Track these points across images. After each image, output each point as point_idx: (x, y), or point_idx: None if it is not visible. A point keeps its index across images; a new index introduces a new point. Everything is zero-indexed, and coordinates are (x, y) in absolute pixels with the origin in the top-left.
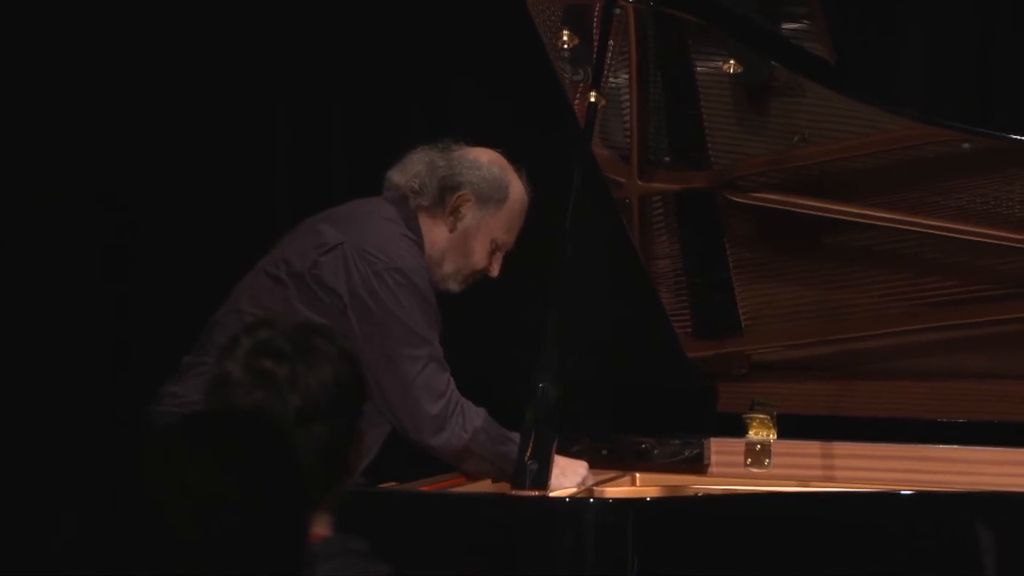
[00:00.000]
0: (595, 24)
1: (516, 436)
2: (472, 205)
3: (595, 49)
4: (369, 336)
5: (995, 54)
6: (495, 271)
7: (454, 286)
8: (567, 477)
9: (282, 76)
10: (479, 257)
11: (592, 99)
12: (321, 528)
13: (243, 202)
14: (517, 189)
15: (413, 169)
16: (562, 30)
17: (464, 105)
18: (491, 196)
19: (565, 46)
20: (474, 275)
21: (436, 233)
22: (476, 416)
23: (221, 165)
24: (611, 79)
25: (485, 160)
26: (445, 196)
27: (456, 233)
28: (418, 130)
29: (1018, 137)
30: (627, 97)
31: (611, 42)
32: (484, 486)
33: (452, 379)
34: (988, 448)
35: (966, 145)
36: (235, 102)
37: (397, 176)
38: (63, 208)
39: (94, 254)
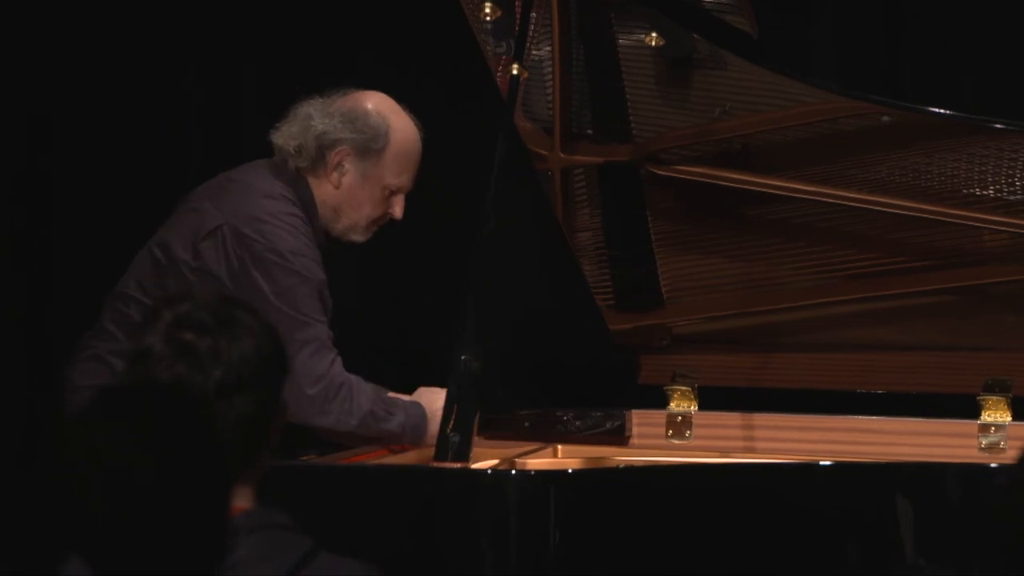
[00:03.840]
0: None
1: (406, 401)
2: (352, 159)
3: (518, 21)
4: None
5: (906, 33)
6: (398, 213)
7: (358, 237)
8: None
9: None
10: (372, 206)
11: (514, 72)
12: (243, 501)
13: (156, 171)
14: (400, 133)
15: (290, 130)
16: (484, 2)
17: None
18: (370, 147)
19: (488, 18)
20: (377, 222)
21: (323, 191)
22: (366, 399)
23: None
24: (534, 51)
25: (363, 110)
26: (324, 154)
27: (342, 189)
28: None
29: (938, 110)
30: (550, 70)
31: (534, 14)
32: (406, 458)
33: (338, 360)
34: (906, 419)
35: (886, 118)
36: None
37: (277, 138)
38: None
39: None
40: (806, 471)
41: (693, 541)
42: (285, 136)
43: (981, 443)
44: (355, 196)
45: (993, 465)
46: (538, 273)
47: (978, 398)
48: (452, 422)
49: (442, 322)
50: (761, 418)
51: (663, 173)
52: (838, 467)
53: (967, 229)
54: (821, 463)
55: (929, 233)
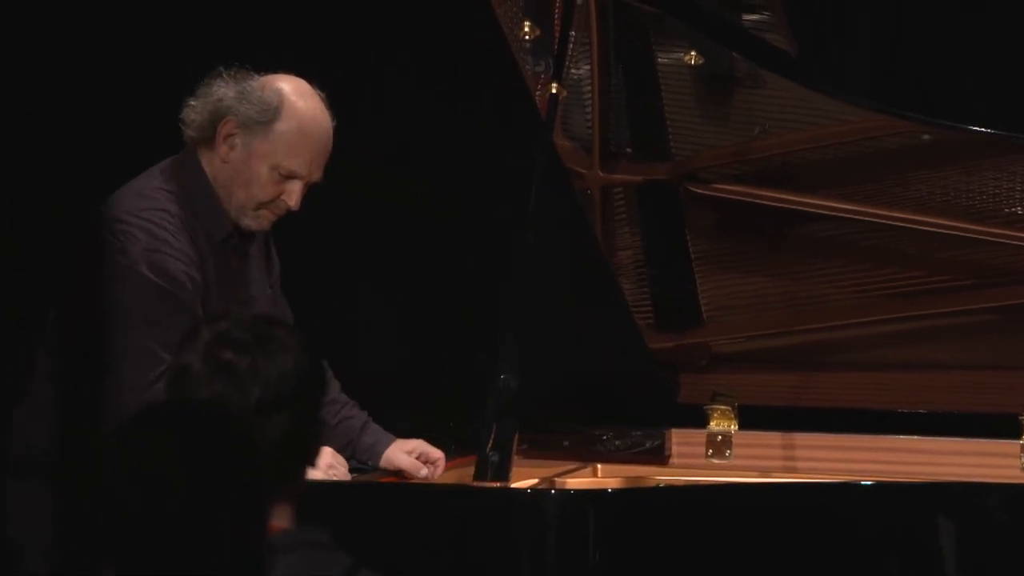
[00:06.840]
0: (557, 15)
1: None
2: (240, 132)
3: (557, 40)
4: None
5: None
6: (292, 202)
7: (248, 222)
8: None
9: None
10: (261, 186)
11: (554, 90)
12: (282, 520)
13: None
14: (298, 113)
15: (197, 101)
16: (524, 21)
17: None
18: (255, 119)
19: (527, 37)
20: (271, 209)
21: (214, 166)
22: None
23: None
24: (573, 70)
25: (260, 84)
26: (215, 125)
27: (230, 163)
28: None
29: (978, 128)
30: (589, 88)
31: (573, 33)
32: (446, 477)
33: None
34: (948, 439)
35: (926, 136)
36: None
37: (184, 109)
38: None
39: None
40: (847, 491)
41: (733, 561)
42: (190, 107)
43: None
44: (241, 173)
45: None
46: (577, 292)
47: (1020, 418)
48: (491, 441)
49: (467, 336)
50: (801, 438)
51: (702, 192)
52: (879, 487)
53: (1009, 248)
54: (862, 483)
55: (971, 252)
